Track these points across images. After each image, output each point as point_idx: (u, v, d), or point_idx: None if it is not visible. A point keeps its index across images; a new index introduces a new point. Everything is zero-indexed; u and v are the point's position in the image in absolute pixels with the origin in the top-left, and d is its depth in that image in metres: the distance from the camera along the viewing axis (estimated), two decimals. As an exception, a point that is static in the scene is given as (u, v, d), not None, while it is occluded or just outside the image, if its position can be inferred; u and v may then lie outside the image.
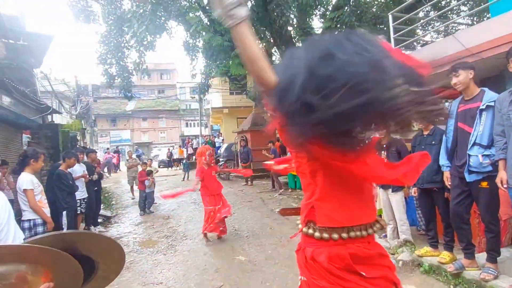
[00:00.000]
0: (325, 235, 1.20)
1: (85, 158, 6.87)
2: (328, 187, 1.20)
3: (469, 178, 2.82)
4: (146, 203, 8.22)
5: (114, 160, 21.95)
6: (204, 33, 9.57)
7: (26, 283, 0.70)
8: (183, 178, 15.20)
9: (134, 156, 16.93)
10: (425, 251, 3.49)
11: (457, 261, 3.09)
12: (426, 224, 3.61)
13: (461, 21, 9.18)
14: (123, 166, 18.34)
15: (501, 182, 2.53)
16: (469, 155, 2.80)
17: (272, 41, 11.91)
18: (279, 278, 3.74)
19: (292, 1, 10.17)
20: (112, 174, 19.42)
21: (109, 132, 40.86)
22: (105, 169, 18.17)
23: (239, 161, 13.41)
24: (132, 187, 10.47)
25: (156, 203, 8.76)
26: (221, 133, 24.01)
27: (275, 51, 12.89)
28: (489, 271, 2.78)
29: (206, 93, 20.14)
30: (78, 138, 14.44)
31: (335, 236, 1.19)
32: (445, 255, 3.23)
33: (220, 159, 15.44)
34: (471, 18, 10.17)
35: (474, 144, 2.77)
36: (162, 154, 26.83)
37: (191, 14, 10.28)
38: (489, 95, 2.78)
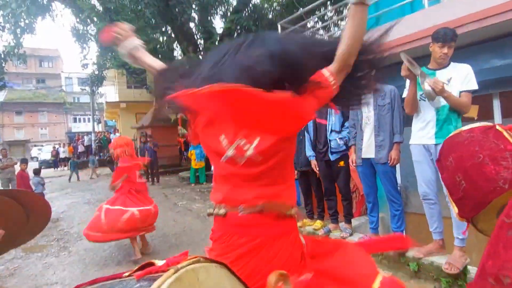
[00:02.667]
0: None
1: None
2: None
3: (332, 157, 3.66)
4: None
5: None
6: (98, 21, 8.84)
7: None
8: (69, 179, 13.74)
9: None
10: (303, 222, 4.26)
11: (326, 227, 3.95)
12: (304, 200, 4.41)
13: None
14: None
15: (352, 161, 3.40)
16: (330, 140, 3.66)
17: (173, 36, 11.80)
18: (182, 261, 3.99)
19: (193, -1, 10.31)
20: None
21: (-34, 128, 33.30)
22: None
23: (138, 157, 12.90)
24: (7, 191, 9.03)
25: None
26: (117, 129, 22.37)
27: (177, 46, 12.80)
28: (346, 231, 3.66)
29: (100, 85, 18.50)
30: None
31: None
32: (318, 223, 4.05)
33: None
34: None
35: (332, 131, 3.65)
36: (44, 153, 23.36)
37: (81, -2, 9.36)
38: None
